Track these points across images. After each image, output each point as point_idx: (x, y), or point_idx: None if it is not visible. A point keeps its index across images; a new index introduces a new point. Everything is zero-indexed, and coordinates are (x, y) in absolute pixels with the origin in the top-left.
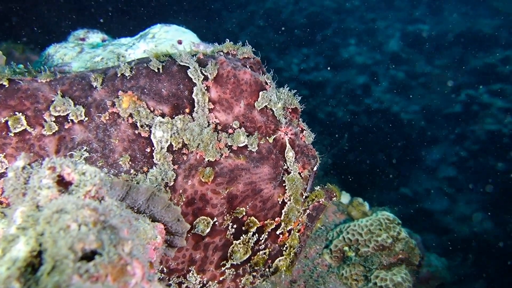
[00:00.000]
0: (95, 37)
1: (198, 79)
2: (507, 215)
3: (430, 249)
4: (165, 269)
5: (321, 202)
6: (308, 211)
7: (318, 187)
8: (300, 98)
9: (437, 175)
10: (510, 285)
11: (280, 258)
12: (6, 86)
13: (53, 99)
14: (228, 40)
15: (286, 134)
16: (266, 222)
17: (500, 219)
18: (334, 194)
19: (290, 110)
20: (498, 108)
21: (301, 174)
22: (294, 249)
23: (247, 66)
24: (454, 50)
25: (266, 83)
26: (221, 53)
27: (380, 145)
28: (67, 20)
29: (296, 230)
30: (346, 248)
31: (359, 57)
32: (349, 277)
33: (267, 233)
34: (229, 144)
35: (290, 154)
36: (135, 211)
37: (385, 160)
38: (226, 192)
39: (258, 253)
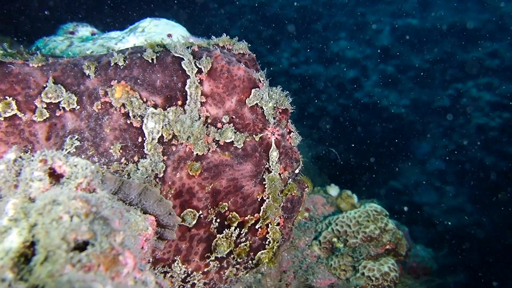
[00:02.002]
0: (85, 30)
1: (192, 72)
2: (494, 207)
3: (417, 241)
4: (151, 259)
5: (293, 194)
6: (282, 204)
7: (290, 180)
8: (291, 99)
9: (425, 168)
10: (494, 275)
11: (263, 251)
12: None
13: (44, 85)
14: (225, 34)
15: (273, 134)
16: (246, 218)
17: (487, 211)
18: (306, 185)
19: (280, 111)
20: (486, 102)
21: (281, 175)
22: (277, 242)
23: (242, 62)
24: (443, 44)
25: (260, 81)
26: (217, 47)
27: (369, 138)
28: (56, 14)
29: (275, 224)
30: (335, 239)
31: (349, 51)
32: (337, 268)
33: (247, 228)
34: (217, 139)
35: (274, 154)
36: (127, 204)
37: (374, 153)
38: (210, 186)
39: (239, 245)
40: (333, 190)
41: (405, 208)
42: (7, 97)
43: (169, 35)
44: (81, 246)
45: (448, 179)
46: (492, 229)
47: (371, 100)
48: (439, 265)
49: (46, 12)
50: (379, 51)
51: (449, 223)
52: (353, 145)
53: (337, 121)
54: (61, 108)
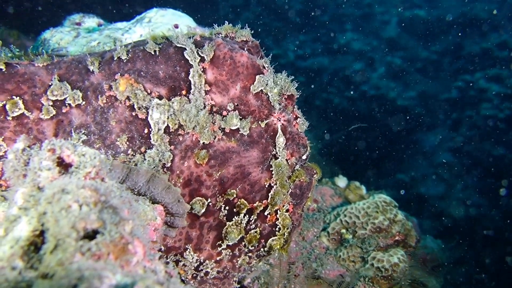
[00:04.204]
0: (91, 21)
1: (195, 61)
2: (502, 200)
3: (425, 233)
4: (162, 247)
5: (302, 180)
6: (290, 190)
7: (298, 166)
8: (297, 84)
9: (433, 160)
10: (502, 265)
11: (273, 238)
12: (3, 70)
13: (50, 83)
14: (227, 23)
15: (279, 120)
16: (255, 204)
17: (495, 203)
18: (315, 172)
19: (286, 97)
20: (495, 93)
21: (288, 161)
22: (287, 229)
23: (245, 49)
24: (451, 35)
25: (264, 67)
26: (219, 35)
27: (376, 131)
28: (62, 5)
29: (284, 210)
30: (344, 230)
31: (356, 43)
32: (346, 259)
33: (256, 215)
34: (222, 127)
35: (280, 140)
36: (136, 193)
37: (381, 145)
38: (218, 174)
39: (250, 232)
40: (341, 181)
41: (402, 192)
42: (14, 97)
43: (176, 26)
44: (90, 235)
45: (456, 171)
46: (501, 221)
47: (378, 92)
48: (448, 257)
49: (51, 4)
50: (386, 42)
51: (457, 216)
52: (360, 137)
53: (344, 113)
54: (67, 104)
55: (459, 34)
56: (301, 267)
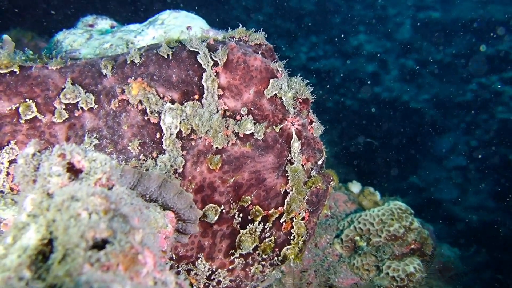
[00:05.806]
0: (104, 23)
1: (208, 65)
2: None
3: (440, 238)
4: (174, 256)
5: (318, 187)
6: (307, 197)
7: (314, 172)
8: (312, 88)
9: (447, 164)
10: None
11: (288, 246)
12: (17, 73)
13: (63, 87)
14: (240, 26)
15: (293, 125)
16: (270, 211)
17: (510, 209)
18: (331, 178)
19: (301, 101)
20: (510, 97)
21: (304, 166)
22: (302, 237)
23: (259, 53)
24: (466, 37)
25: (278, 71)
26: (232, 39)
27: (389, 134)
28: (76, 7)
29: (300, 218)
30: (358, 238)
31: (369, 45)
32: (360, 267)
33: (271, 222)
34: (236, 131)
35: (295, 144)
36: (147, 199)
37: (394, 149)
38: (232, 180)
39: (264, 241)
40: (355, 187)
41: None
42: (27, 100)
43: (189, 28)
44: (99, 245)
45: (470, 175)
46: None
47: (391, 95)
48: (466, 265)
49: (65, 6)
50: (399, 44)
51: (472, 221)
52: (372, 141)
53: (356, 116)
54: (79, 108)
55: (474, 36)
56: (313, 275)
